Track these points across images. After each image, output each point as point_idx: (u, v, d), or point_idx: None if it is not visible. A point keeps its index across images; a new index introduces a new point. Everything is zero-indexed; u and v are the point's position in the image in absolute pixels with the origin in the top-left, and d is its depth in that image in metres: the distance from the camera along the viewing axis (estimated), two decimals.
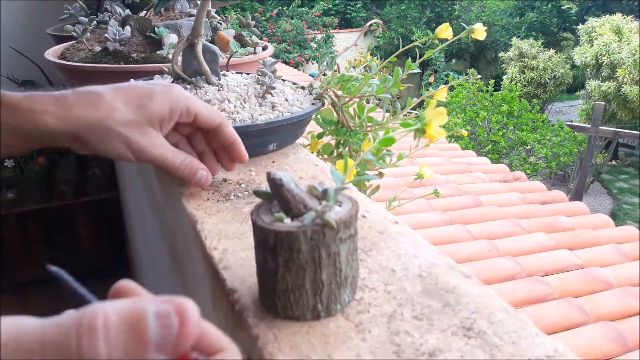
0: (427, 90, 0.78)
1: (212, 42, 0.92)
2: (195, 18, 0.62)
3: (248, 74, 0.74)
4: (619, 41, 6.89)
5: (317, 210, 0.33)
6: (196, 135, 0.52)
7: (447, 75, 8.78)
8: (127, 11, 1.13)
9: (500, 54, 8.88)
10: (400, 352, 0.32)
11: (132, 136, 0.45)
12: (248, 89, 0.67)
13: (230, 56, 0.85)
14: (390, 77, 0.71)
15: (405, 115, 0.74)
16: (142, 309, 0.24)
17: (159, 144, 0.47)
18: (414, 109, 0.74)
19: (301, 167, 0.63)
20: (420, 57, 0.74)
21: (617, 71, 6.75)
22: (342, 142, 0.76)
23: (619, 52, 6.73)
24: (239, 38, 0.92)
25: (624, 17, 7.09)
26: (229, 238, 0.46)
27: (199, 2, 0.62)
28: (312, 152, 0.78)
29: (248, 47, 0.91)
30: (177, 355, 0.28)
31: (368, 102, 0.76)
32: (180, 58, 0.67)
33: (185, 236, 0.65)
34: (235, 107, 0.63)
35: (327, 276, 0.34)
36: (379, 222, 0.48)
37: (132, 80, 0.70)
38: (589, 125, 5.72)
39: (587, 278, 1.38)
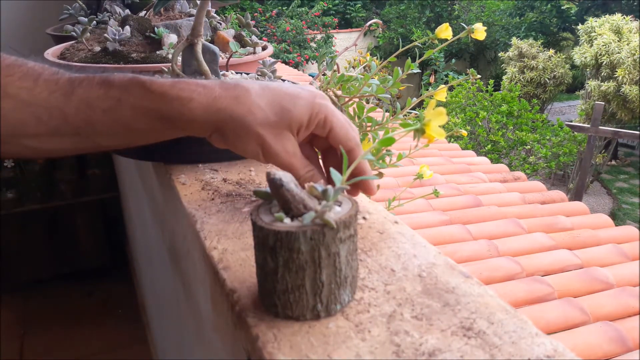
0: (427, 90, 0.78)
1: (212, 42, 0.92)
2: (195, 18, 0.62)
3: (248, 74, 0.74)
4: (618, 41, 6.89)
5: (316, 210, 0.33)
6: (331, 152, 0.50)
7: (446, 75, 8.78)
8: (127, 11, 1.13)
9: (499, 54, 8.88)
10: (400, 352, 0.32)
11: (268, 138, 0.45)
12: None
13: (230, 56, 0.85)
14: (390, 77, 0.71)
15: (405, 115, 0.74)
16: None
17: (291, 151, 0.46)
18: (413, 109, 0.74)
19: None
20: (420, 57, 0.74)
21: (616, 71, 6.75)
22: None
23: (618, 52, 6.73)
24: (238, 38, 0.92)
25: (624, 17, 7.09)
26: (228, 238, 0.46)
27: (198, 2, 0.62)
28: None
29: (248, 47, 0.91)
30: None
31: (368, 102, 0.76)
32: (179, 58, 0.67)
33: (184, 236, 0.65)
34: None
35: (326, 276, 0.34)
36: (379, 222, 0.48)
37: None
38: (589, 125, 5.72)
39: (587, 278, 1.38)
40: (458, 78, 5.41)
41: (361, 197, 0.55)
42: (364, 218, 0.49)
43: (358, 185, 0.48)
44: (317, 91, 0.48)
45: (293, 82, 0.74)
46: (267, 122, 0.44)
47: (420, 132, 0.40)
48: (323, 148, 0.50)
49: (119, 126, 0.46)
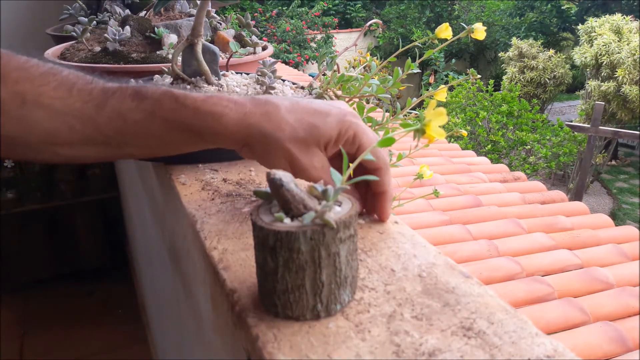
0: (427, 90, 0.78)
1: (212, 42, 0.92)
2: (195, 18, 0.62)
3: (248, 74, 0.74)
4: (618, 41, 6.89)
5: (316, 210, 0.33)
6: (358, 166, 0.51)
7: (446, 75, 8.78)
8: (127, 11, 1.13)
9: (500, 54, 8.87)
10: (400, 352, 0.32)
11: (297, 154, 0.45)
12: (248, 89, 0.67)
13: (230, 56, 0.85)
14: (390, 77, 0.71)
15: (405, 115, 0.74)
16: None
17: (320, 166, 0.46)
18: (413, 109, 0.74)
19: None
20: (420, 57, 0.74)
21: (616, 71, 6.75)
22: None
23: (618, 52, 6.73)
24: (238, 38, 0.92)
25: (624, 17, 7.09)
26: (228, 238, 0.46)
27: (198, 2, 0.62)
28: None
29: (248, 47, 0.91)
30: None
31: (368, 102, 0.76)
32: (179, 58, 0.67)
33: (184, 236, 0.65)
34: None
35: (326, 276, 0.34)
36: (379, 222, 0.48)
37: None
38: (589, 125, 5.72)
39: (587, 278, 1.38)
40: (458, 78, 5.41)
41: None
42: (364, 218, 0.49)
43: (375, 203, 0.49)
44: (348, 109, 0.48)
45: (304, 85, 0.74)
46: (295, 138, 0.45)
47: (420, 132, 0.40)
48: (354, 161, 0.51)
49: (149, 137, 0.47)
